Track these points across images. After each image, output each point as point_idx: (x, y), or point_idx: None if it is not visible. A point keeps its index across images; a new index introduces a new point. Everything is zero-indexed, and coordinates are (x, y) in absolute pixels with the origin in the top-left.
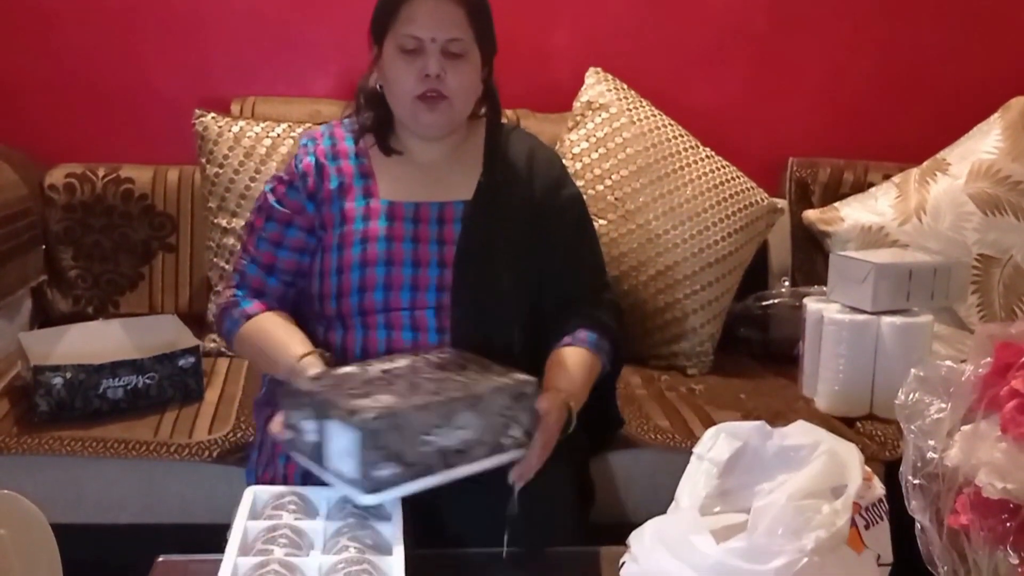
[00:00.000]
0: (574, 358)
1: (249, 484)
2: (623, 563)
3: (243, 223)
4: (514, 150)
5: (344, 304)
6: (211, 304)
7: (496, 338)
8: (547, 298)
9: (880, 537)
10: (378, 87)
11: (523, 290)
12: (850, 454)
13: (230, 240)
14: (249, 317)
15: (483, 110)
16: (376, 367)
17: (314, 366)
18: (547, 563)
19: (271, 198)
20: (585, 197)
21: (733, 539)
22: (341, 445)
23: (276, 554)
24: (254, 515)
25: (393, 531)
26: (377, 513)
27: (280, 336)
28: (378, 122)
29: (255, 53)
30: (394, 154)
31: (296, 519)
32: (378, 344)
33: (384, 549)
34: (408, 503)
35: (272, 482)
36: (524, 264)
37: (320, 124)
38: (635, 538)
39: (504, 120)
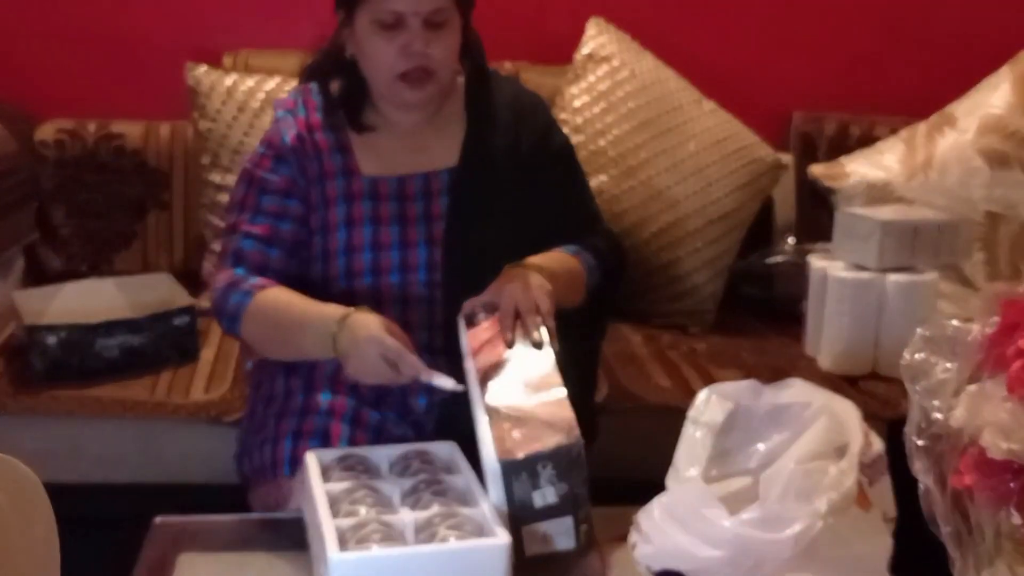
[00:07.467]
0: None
1: (238, 448)
2: (634, 544)
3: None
4: (496, 101)
5: (333, 287)
6: (207, 293)
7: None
8: (538, 250)
9: (884, 493)
10: (348, 57)
11: (517, 252)
12: (848, 411)
13: (224, 197)
14: (262, 288)
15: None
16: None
17: (369, 319)
18: None
19: (260, 171)
20: (586, 152)
21: (746, 509)
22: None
23: (368, 514)
24: (324, 478)
25: (468, 483)
26: (447, 467)
27: (305, 303)
28: (347, 94)
29: (247, 5)
30: (367, 131)
31: (369, 479)
32: None
33: (468, 500)
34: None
35: (263, 445)
36: (516, 224)
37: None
38: (643, 516)
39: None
